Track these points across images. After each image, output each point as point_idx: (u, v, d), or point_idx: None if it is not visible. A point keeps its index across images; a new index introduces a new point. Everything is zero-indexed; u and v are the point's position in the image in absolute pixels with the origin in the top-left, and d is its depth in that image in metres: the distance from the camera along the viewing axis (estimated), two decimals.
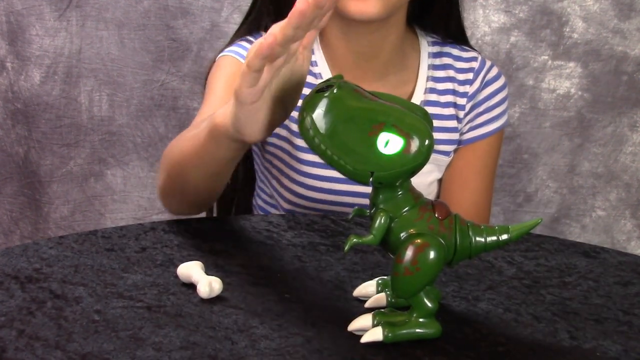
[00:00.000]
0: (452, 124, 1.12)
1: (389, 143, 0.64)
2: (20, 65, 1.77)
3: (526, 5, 1.73)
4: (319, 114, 0.65)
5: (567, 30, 1.74)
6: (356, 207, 0.71)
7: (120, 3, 1.73)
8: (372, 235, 0.66)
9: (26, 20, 1.74)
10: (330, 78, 0.67)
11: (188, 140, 0.86)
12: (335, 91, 0.65)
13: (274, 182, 1.13)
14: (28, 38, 1.75)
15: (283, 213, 1.09)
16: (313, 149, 0.66)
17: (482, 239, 0.68)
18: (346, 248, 0.65)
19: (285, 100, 0.75)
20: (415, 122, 0.65)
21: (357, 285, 0.75)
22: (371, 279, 0.75)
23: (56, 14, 1.74)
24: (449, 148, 1.13)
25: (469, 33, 1.18)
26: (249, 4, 1.13)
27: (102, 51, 1.76)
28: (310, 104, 0.65)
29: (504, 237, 0.69)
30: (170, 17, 1.73)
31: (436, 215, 0.67)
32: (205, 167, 0.85)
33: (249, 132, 0.75)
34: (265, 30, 1.09)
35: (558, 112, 1.77)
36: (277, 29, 0.66)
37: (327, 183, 1.08)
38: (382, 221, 0.66)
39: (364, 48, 1.07)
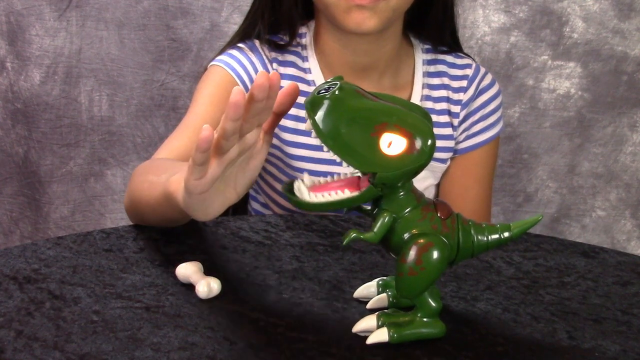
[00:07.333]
0: (448, 131, 1.11)
1: (392, 143, 0.64)
2: (20, 65, 1.77)
3: (526, 5, 1.72)
4: (320, 116, 0.64)
5: (567, 30, 1.73)
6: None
7: (120, 3, 1.73)
8: (373, 233, 0.66)
9: (26, 20, 1.74)
10: (331, 79, 0.67)
11: (147, 187, 0.84)
12: (336, 92, 0.64)
13: (267, 189, 1.13)
14: (28, 38, 1.75)
15: (281, 214, 1.09)
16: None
17: (484, 238, 0.68)
18: (345, 241, 0.65)
19: (237, 183, 0.72)
20: (417, 122, 0.65)
21: (355, 286, 0.75)
22: (369, 279, 0.75)
23: (56, 14, 1.74)
24: (445, 155, 1.12)
25: (469, 33, 1.18)
26: (249, 5, 1.13)
27: (102, 51, 1.76)
28: (312, 105, 0.65)
29: (506, 235, 0.69)
30: (170, 17, 1.73)
31: (438, 215, 0.67)
32: (161, 216, 0.84)
33: (199, 215, 0.72)
34: (258, 37, 1.09)
35: (558, 112, 1.77)
36: (221, 123, 0.64)
37: None
38: (386, 221, 0.66)
39: (360, 57, 1.07)
